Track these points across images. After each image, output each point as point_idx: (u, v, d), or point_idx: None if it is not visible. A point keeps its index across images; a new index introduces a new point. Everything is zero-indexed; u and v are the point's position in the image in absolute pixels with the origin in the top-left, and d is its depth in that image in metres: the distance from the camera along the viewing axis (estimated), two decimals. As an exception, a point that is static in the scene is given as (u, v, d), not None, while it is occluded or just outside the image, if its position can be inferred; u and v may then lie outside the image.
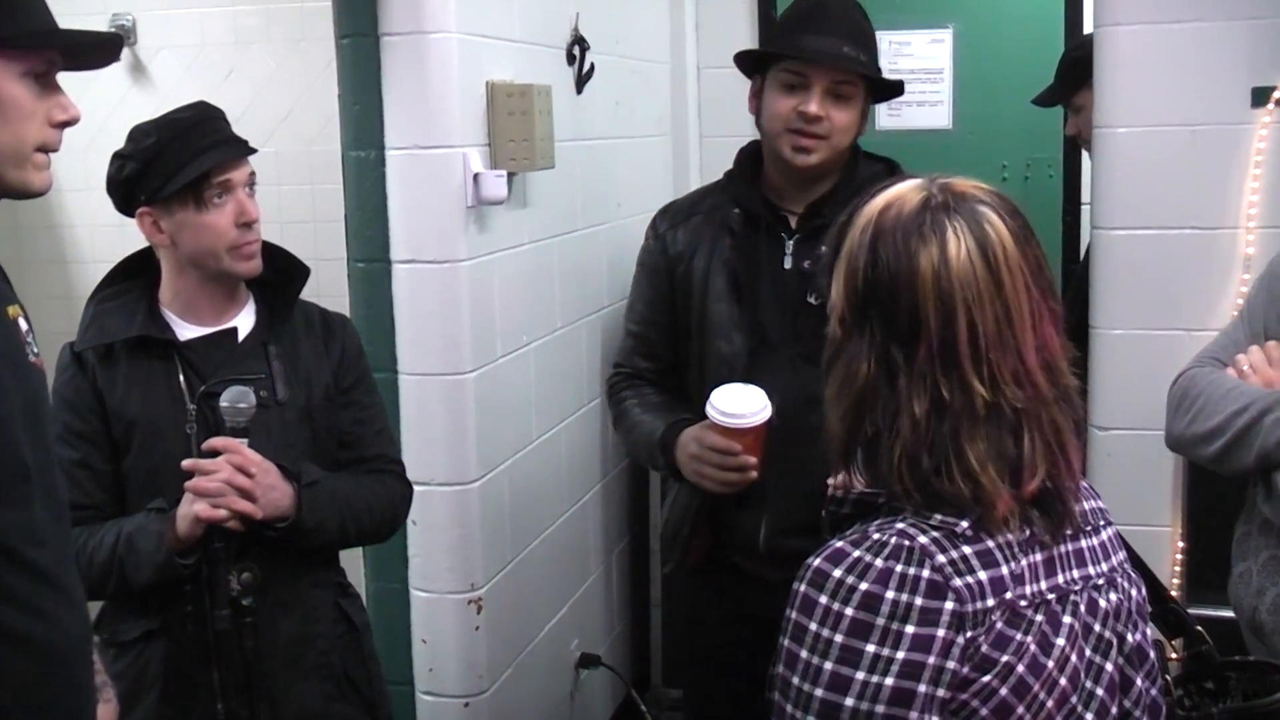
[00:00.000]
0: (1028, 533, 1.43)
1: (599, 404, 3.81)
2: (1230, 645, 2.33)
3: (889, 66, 4.73)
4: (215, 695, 2.30)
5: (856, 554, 1.39)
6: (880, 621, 1.34)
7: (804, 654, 1.37)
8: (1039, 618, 1.41)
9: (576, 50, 3.59)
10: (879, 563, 1.37)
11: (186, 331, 2.40)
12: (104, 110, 4.32)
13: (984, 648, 1.36)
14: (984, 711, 1.36)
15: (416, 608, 3.15)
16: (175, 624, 2.33)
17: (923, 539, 1.38)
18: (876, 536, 1.40)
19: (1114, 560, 1.54)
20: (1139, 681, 1.50)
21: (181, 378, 2.36)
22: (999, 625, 1.38)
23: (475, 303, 3.07)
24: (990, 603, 1.37)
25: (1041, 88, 3.73)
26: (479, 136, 3.06)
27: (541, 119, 3.23)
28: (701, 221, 2.68)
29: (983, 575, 1.38)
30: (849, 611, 1.35)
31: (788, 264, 2.58)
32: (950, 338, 1.39)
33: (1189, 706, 1.73)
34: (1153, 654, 1.54)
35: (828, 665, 1.35)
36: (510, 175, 3.12)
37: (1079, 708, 1.42)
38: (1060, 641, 1.41)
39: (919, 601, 1.35)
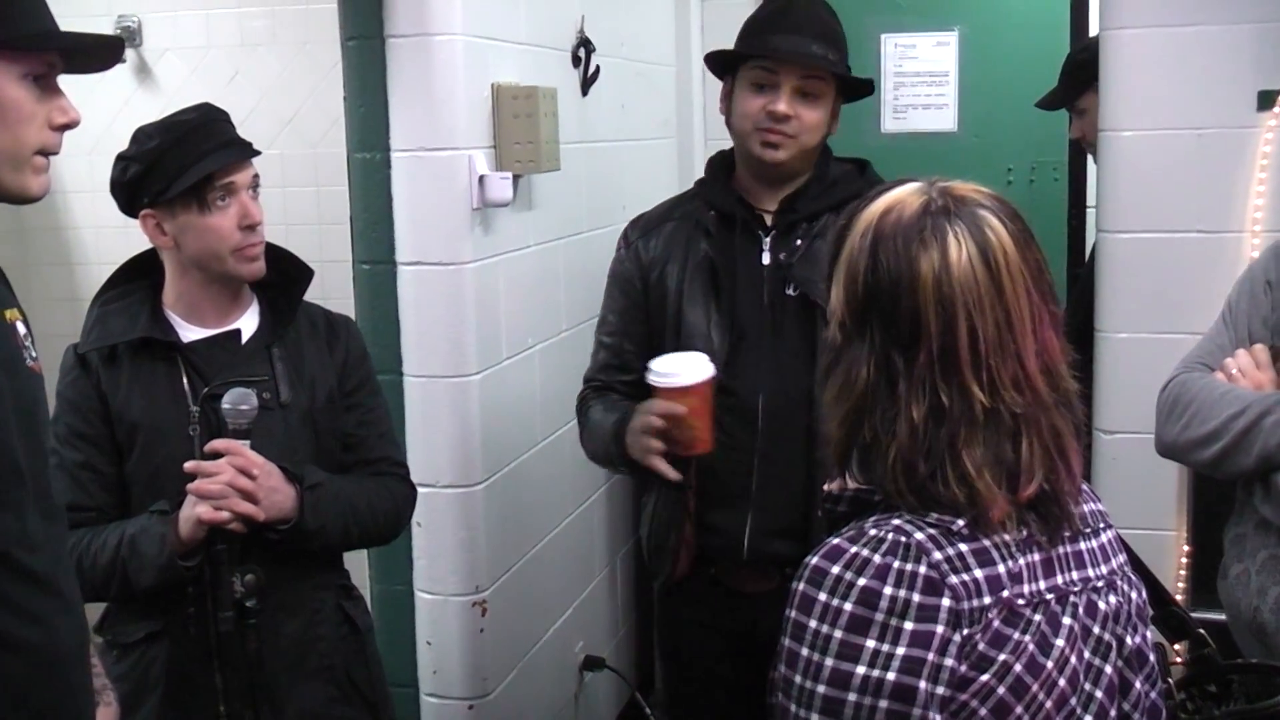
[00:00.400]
0: (1025, 533, 1.43)
1: (603, 406, 3.80)
2: (1234, 650, 2.33)
3: (894, 69, 4.72)
4: (218, 697, 2.31)
5: (854, 550, 1.38)
6: (879, 617, 1.34)
7: (805, 651, 1.37)
8: (1037, 617, 1.41)
9: (582, 52, 3.59)
10: (877, 558, 1.37)
11: (190, 333, 2.40)
12: (109, 112, 4.32)
13: (981, 646, 1.36)
14: (983, 711, 1.36)
15: (421, 610, 3.15)
16: (178, 626, 2.34)
17: (919, 535, 1.38)
18: (873, 533, 1.39)
19: (1114, 563, 1.53)
20: (1138, 684, 1.50)
21: (185, 380, 2.36)
22: (996, 623, 1.37)
23: (480, 305, 3.07)
24: (987, 600, 1.37)
25: (1047, 91, 3.73)
26: (484, 139, 3.07)
27: (547, 121, 3.23)
28: (675, 228, 2.67)
29: (979, 573, 1.38)
30: (848, 607, 1.35)
31: (765, 259, 2.57)
32: (950, 343, 1.39)
33: (1191, 710, 1.73)
34: (1153, 657, 1.53)
35: (829, 661, 1.35)
36: (515, 177, 3.12)
37: (1078, 709, 1.42)
38: (1059, 642, 1.41)
39: (916, 598, 1.35)
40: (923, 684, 1.33)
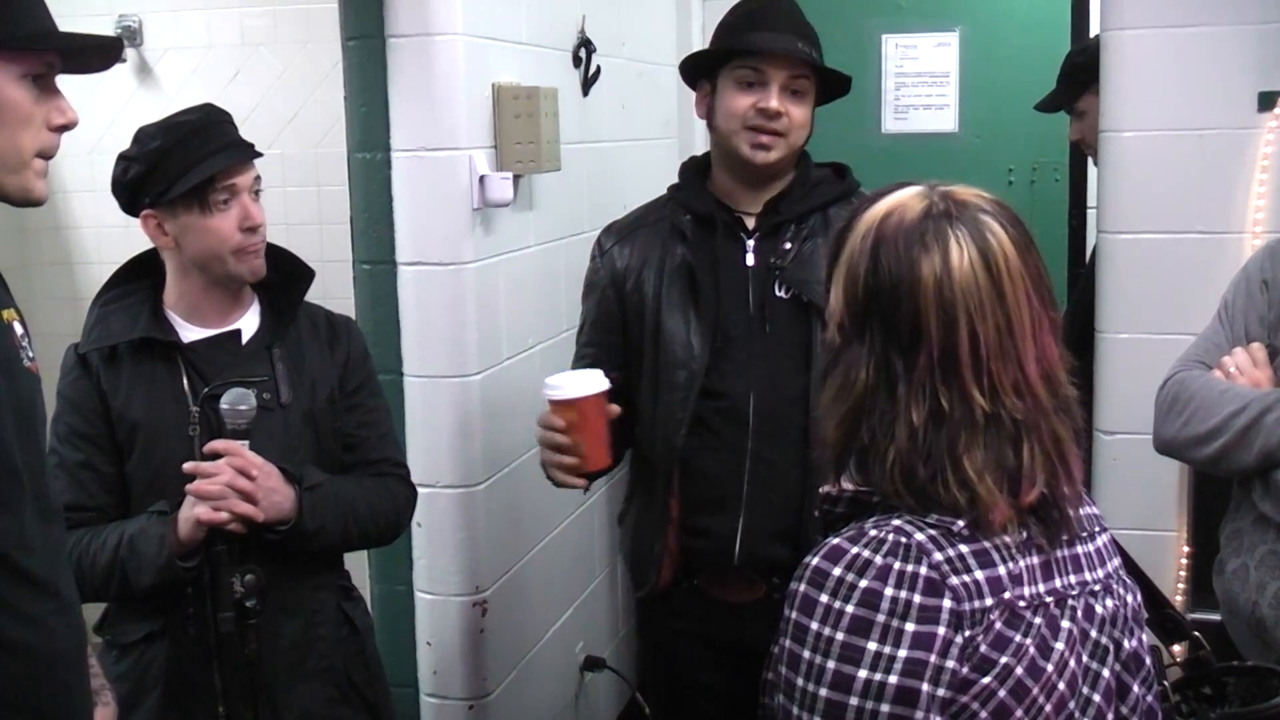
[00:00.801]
0: (1024, 535, 1.43)
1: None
2: (1234, 649, 2.33)
3: (895, 70, 4.72)
4: (217, 697, 2.31)
5: (855, 550, 1.38)
6: (881, 619, 1.34)
7: (806, 653, 1.36)
8: (1038, 620, 1.41)
9: (583, 53, 3.59)
10: (878, 559, 1.37)
11: (190, 333, 2.40)
12: (110, 111, 4.33)
13: (983, 648, 1.36)
14: (983, 714, 1.36)
15: (421, 610, 3.15)
16: (177, 626, 2.34)
17: (920, 535, 1.38)
18: (874, 533, 1.39)
19: (1109, 566, 1.54)
20: (1135, 688, 1.50)
21: (185, 380, 2.36)
22: (998, 625, 1.37)
23: (481, 305, 3.07)
24: (989, 602, 1.37)
25: (1047, 93, 3.73)
26: (485, 139, 3.06)
27: (548, 121, 3.23)
28: (649, 234, 2.64)
29: (980, 575, 1.38)
30: (849, 609, 1.35)
31: (750, 260, 2.55)
32: (951, 347, 1.39)
33: (1187, 712, 1.72)
34: (1149, 660, 1.53)
35: (830, 664, 1.34)
36: (516, 177, 3.12)
37: (1076, 713, 1.42)
38: (1059, 646, 1.41)
39: (917, 599, 1.34)
40: (925, 686, 1.33)
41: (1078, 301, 3.50)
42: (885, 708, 1.32)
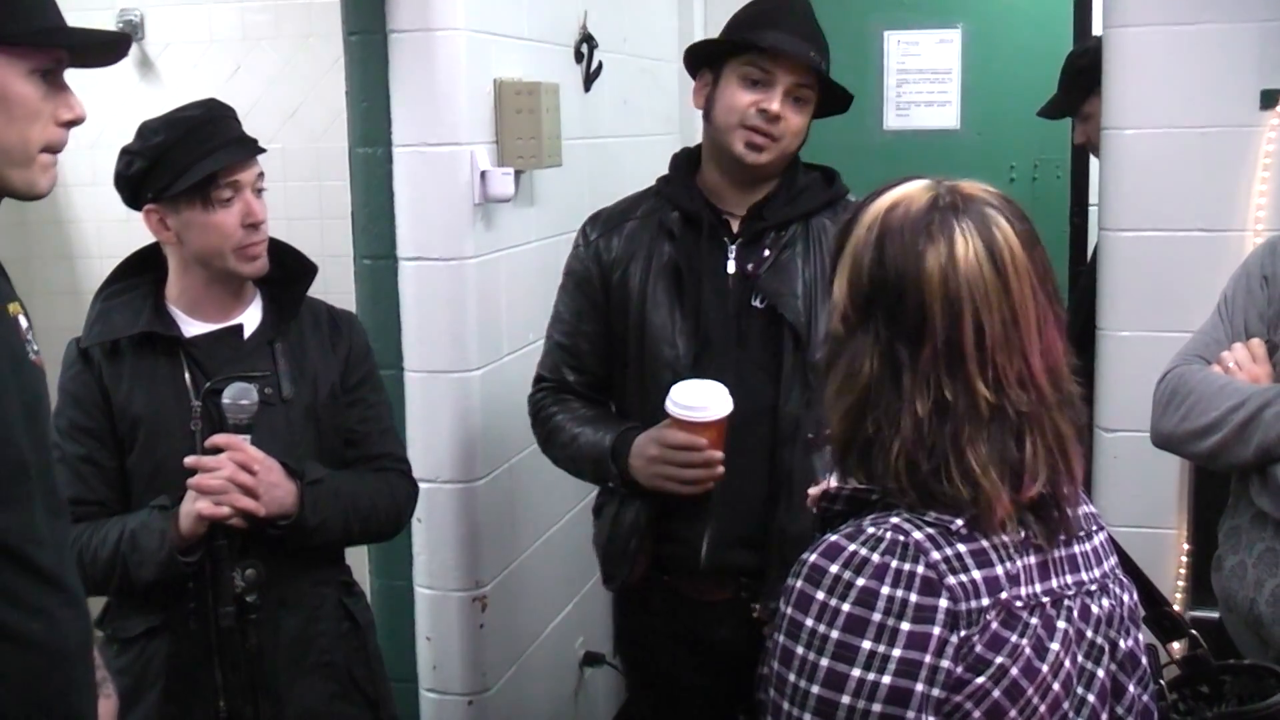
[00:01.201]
0: (1023, 534, 1.43)
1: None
2: (1234, 647, 2.33)
3: (897, 66, 4.72)
4: (218, 693, 2.31)
5: (852, 548, 1.38)
6: (877, 618, 1.34)
7: (800, 650, 1.36)
8: (1034, 620, 1.40)
9: (585, 48, 3.59)
10: (875, 558, 1.36)
11: (192, 328, 2.40)
12: (111, 106, 4.32)
13: (978, 648, 1.36)
14: (976, 714, 1.36)
15: (421, 605, 3.15)
16: (178, 621, 2.34)
17: (917, 534, 1.37)
18: (871, 531, 1.39)
19: (1106, 566, 1.53)
20: (1131, 688, 1.50)
21: (187, 374, 2.36)
22: (994, 625, 1.37)
23: (482, 300, 3.07)
24: (985, 602, 1.37)
25: (1049, 89, 3.73)
26: (486, 134, 3.06)
27: (549, 117, 3.23)
28: (637, 227, 2.60)
29: (977, 574, 1.38)
30: (845, 607, 1.35)
31: (731, 268, 2.51)
32: (956, 338, 1.39)
33: (1184, 711, 1.72)
34: (1145, 660, 1.53)
35: (824, 662, 1.34)
36: (517, 173, 3.12)
37: (1070, 714, 1.42)
38: (1054, 646, 1.41)
39: (914, 598, 1.34)
40: (919, 686, 1.32)
41: (1079, 300, 3.49)
42: (877, 707, 1.32)
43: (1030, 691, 1.37)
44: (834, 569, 1.37)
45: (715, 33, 2.63)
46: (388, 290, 3.03)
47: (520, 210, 3.24)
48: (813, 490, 2.04)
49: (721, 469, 2.38)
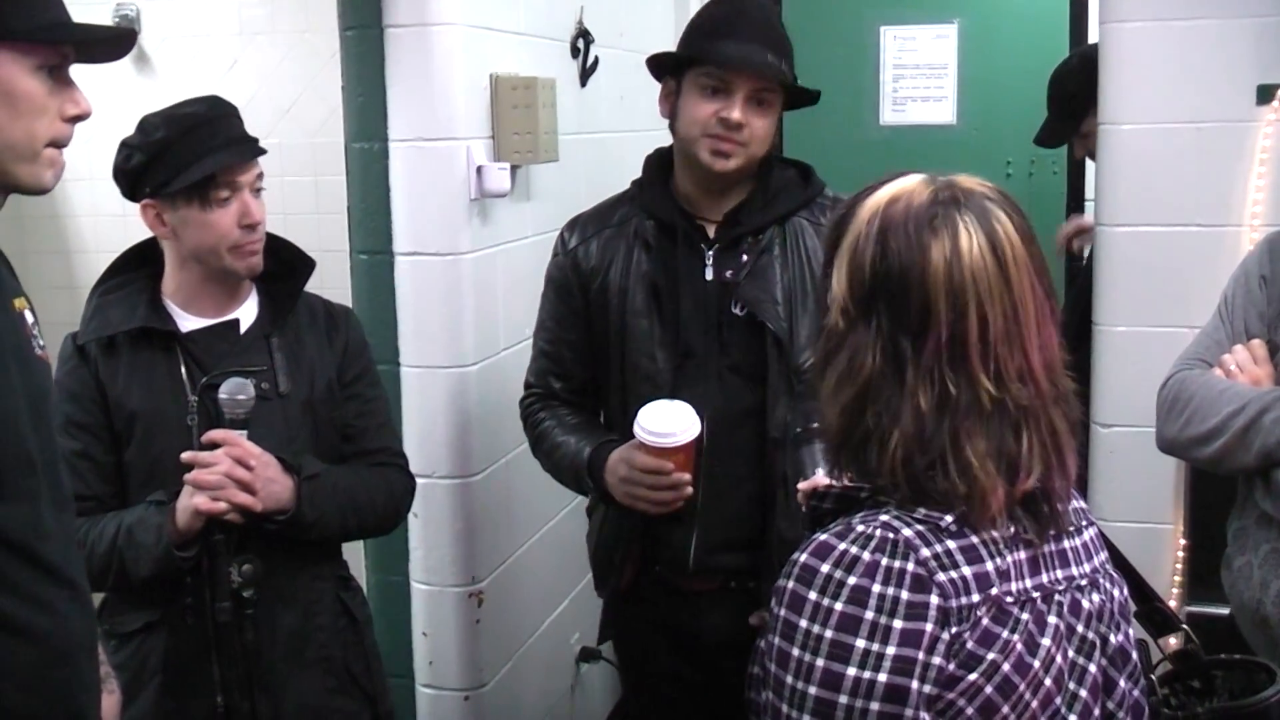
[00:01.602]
0: (1013, 530, 1.43)
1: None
2: (1232, 642, 2.34)
3: (893, 61, 4.73)
4: (215, 688, 2.31)
5: (842, 547, 1.38)
6: (869, 616, 1.34)
7: (795, 651, 1.36)
8: (1025, 616, 1.40)
9: (581, 43, 3.58)
10: (866, 556, 1.36)
11: (188, 323, 2.39)
12: (107, 100, 4.31)
13: (969, 644, 1.36)
14: (969, 710, 1.36)
15: (417, 600, 3.15)
16: (175, 616, 2.33)
17: (906, 532, 1.38)
18: (861, 529, 1.39)
19: (1096, 561, 1.53)
20: (1122, 683, 1.50)
21: (183, 369, 2.35)
22: (985, 622, 1.37)
23: (478, 295, 3.07)
24: (975, 598, 1.37)
25: (1045, 84, 3.72)
26: (483, 129, 3.06)
27: (545, 112, 3.22)
28: (614, 234, 2.59)
29: (967, 571, 1.38)
30: (838, 606, 1.35)
31: (709, 275, 2.50)
32: (960, 332, 1.39)
33: (1175, 706, 1.72)
34: (1135, 654, 1.53)
35: (820, 662, 1.34)
36: (514, 168, 3.12)
37: (1062, 709, 1.42)
38: (1046, 642, 1.41)
39: (904, 595, 1.34)
40: (914, 684, 1.33)
41: (1077, 296, 3.49)
42: (875, 705, 1.32)
43: (1022, 687, 1.38)
44: (825, 568, 1.37)
45: (681, 37, 2.61)
46: (384, 285, 3.03)
47: (517, 205, 3.24)
48: (802, 485, 2.06)
49: (690, 490, 2.37)
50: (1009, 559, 1.42)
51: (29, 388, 1.70)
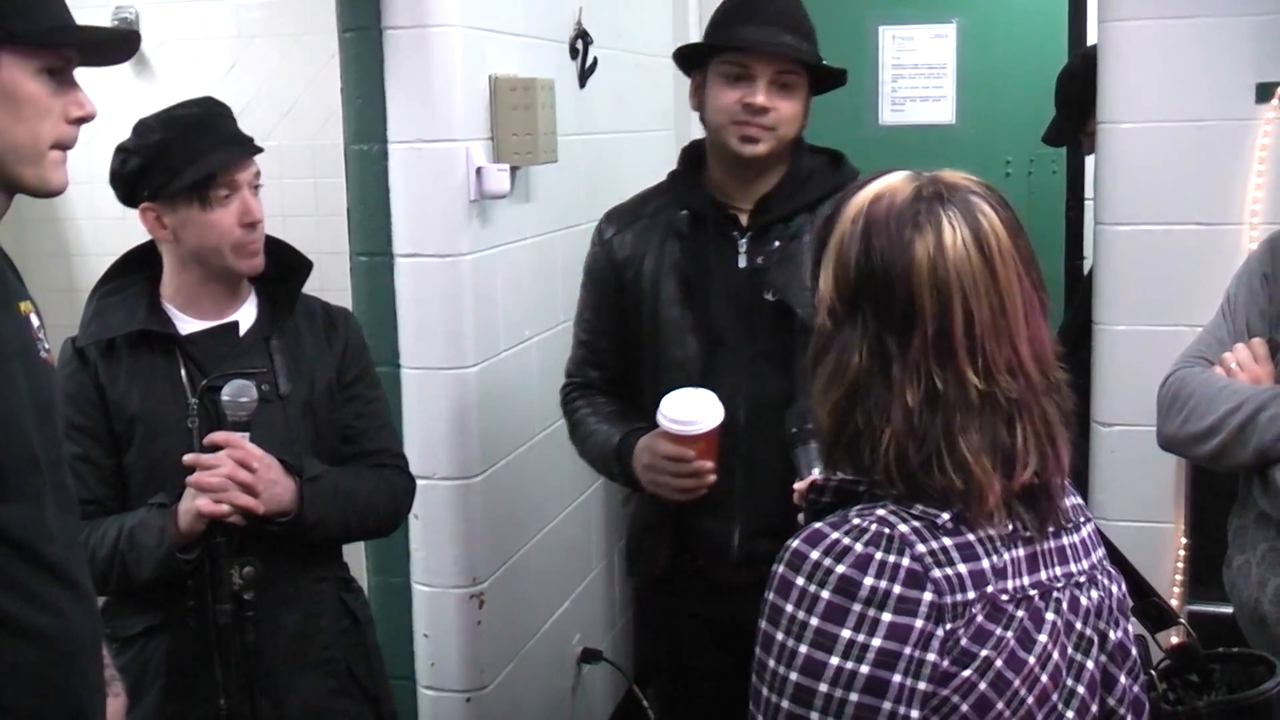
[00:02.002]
0: (1010, 527, 1.43)
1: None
2: (1234, 641, 2.34)
3: (892, 61, 4.72)
4: (217, 690, 2.30)
5: (835, 536, 1.38)
6: (857, 607, 1.33)
7: (779, 636, 1.36)
8: (1020, 613, 1.40)
9: (579, 44, 3.58)
10: (858, 547, 1.36)
11: (188, 325, 2.39)
12: (106, 103, 4.30)
13: (963, 641, 1.36)
14: (964, 707, 1.36)
15: (418, 602, 3.15)
16: (177, 619, 2.33)
17: (903, 527, 1.37)
18: (856, 521, 1.39)
19: (1094, 557, 1.53)
20: (1122, 679, 1.50)
21: (183, 372, 2.35)
22: (979, 619, 1.37)
23: (478, 297, 3.07)
24: (970, 595, 1.37)
25: (1045, 83, 3.72)
26: (482, 130, 3.06)
27: (544, 113, 3.23)
28: (647, 225, 2.64)
29: (963, 568, 1.37)
30: (825, 594, 1.34)
31: (742, 263, 2.54)
32: (946, 327, 1.39)
33: (1174, 700, 1.72)
34: (1134, 650, 1.53)
35: (802, 649, 1.34)
36: (513, 169, 3.12)
37: (1059, 705, 1.42)
38: (1042, 638, 1.40)
39: (897, 589, 1.34)
40: (897, 678, 1.32)
41: (1083, 297, 3.48)
42: (854, 696, 1.32)
43: (1017, 683, 1.37)
44: (814, 555, 1.37)
45: (706, 28, 2.64)
46: (383, 287, 3.03)
47: (516, 206, 3.24)
48: (798, 484, 2.06)
49: (713, 478, 2.41)
50: (1007, 556, 1.42)
51: (35, 390, 1.70)
